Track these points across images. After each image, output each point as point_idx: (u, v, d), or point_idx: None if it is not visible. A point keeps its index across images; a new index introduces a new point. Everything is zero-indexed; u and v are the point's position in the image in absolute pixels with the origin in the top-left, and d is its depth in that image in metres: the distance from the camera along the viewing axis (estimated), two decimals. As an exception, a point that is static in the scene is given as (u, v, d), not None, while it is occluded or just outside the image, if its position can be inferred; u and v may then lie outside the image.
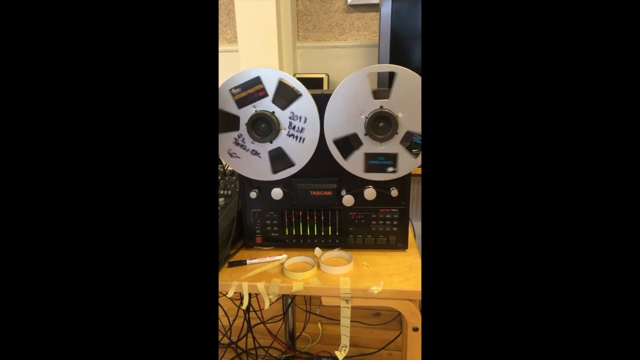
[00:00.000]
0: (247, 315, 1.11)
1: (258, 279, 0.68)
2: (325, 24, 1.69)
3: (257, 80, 0.67)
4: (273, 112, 0.68)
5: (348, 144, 0.70)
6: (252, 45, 1.55)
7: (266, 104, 0.68)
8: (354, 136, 0.69)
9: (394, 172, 0.70)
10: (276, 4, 1.50)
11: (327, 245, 0.77)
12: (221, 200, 0.86)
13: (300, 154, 0.70)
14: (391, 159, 0.70)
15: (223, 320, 1.16)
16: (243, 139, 0.71)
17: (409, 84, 0.65)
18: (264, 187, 0.75)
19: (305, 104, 0.68)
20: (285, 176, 0.72)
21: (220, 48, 1.77)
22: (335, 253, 0.75)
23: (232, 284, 0.67)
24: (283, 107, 0.68)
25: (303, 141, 0.69)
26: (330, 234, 0.77)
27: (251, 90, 0.68)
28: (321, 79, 1.52)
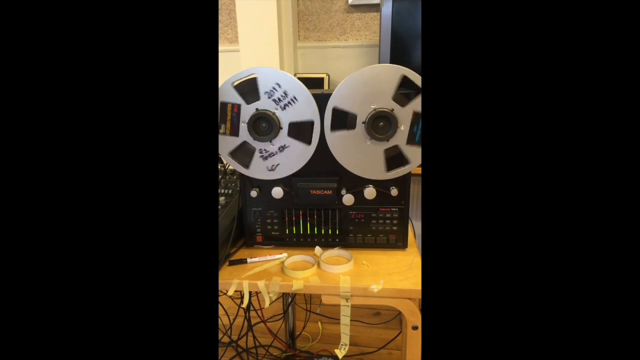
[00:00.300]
0: (247, 314, 1.11)
1: (258, 277, 0.69)
2: (326, 24, 1.69)
3: (224, 106, 0.69)
4: (257, 109, 0.69)
5: (393, 158, 0.71)
6: (253, 45, 1.55)
7: (247, 110, 0.69)
8: (391, 149, 0.70)
9: None
10: (277, 3, 1.50)
11: (327, 244, 0.78)
12: (222, 199, 0.86)
13: (306, 109, 0.69)
14: None
15: (223, 319, 1.17)
16: (264, 149, 0.71)
17: (340, 89, 0.67)
18: (265, 186, 0.75)
19: (265, 77, 0.67)
20: (318, 134, 0.70)
21: (221, 48, 1.77)
22: (335, 252, 0.75)
23: (232, 282, 0.68)
24: (257, 98, 0.68)
25: (296, 99, 0.68)
26: (330, 233, 0.77)
27: (228, 116, 0.69)
28: (322, 79, 1.52)
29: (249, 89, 0.68)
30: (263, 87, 0.68)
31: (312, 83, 1.52)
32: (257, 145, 0.71)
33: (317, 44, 1.69)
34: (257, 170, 0.73)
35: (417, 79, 0.65)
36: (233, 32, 1.74)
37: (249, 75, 0.67)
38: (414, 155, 0.70)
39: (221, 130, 0.71)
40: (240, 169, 0.73)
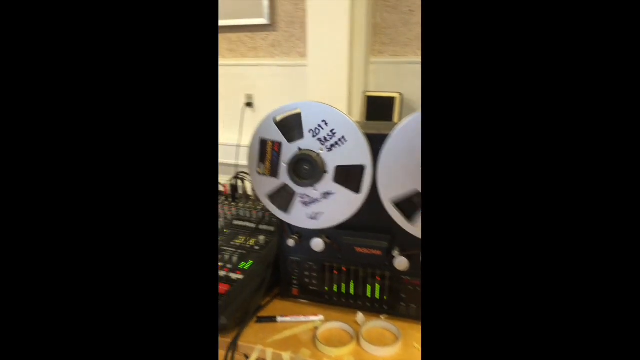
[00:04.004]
0: None
1: (285, 345, 0.59)
2: (404, 38, 1.55)
3: (264, 143, 0.61)
4: (299, 148, 0.59)
5: (410, 203, 0.57)
6: (321, 60, 1.47)
7: (289, 149, 0.60)
8: (417, 194, 0.56)
9: None
10: (350, 16, 1.41)
11: (372, 310, 0.65)
12: (262, 237, 0.78)
13: (356, 152, 0.57)
14: None
15: None
16: (306, 194, 0.61)
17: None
18: (305, 233, 0.65)
19: (310, 112, 0.58)
20: (369, 183, 0.58)
21: (290, 62, 1.73)
22: (380, 324, 0.62)
23: (256, 347, 0.59)
24: (300, 135, 0.59)
25: (345, 140, 0.57)
26: (377, 297, 0.64)
27: (268, 154, 0.61)
28: (393, 99, 1.38)
29: (292, 125, 0.59)
30: (307, 124, 0.58)
31: (381, 103, 1.39)
32: (298, 189, 0.61)
33: (391, 60, 1.56)
34: (297, 217, 0.63)
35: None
36: (305, 46, 1.68)
37: (293, 111, 0.58)
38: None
39: (259, 170, 0.62)
40: (278, 214, 0.64)
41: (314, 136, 0.58)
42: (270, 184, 0.62)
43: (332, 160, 0.58)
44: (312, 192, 0.60)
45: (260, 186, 0.63)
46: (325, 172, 0.59)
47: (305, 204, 0.61)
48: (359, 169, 0.58)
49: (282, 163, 0.60)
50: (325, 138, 0.58)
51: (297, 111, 0.58)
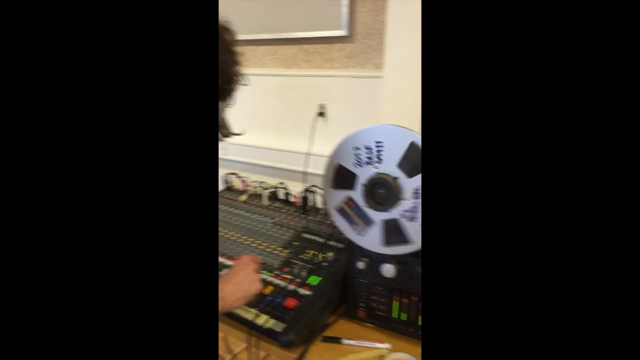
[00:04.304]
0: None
1: (350, 370, 0.58)
2: (487, 50, 1.47)
3: (343, 211, 0.63)
4: (363, 185, 0.60)
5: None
6: (397, 71, 1.45)
7: (358, 195, 0.62)
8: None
9: None
10: (431, 28, 1.37)
11: (442, 345, 0.62)
12: (330, 254, 0.78)
13: (398, 140, 0.57)
14: None
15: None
16: (402, 210, 0.59)
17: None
18: (376, 258, 0.64)
19: (343, 154, 0.60)
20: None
21: (365, 73, 1.72)
22: (451, 361, 0.59)
23: (320, 368, 0.59)
24: (354, 176, 0.58)
25: (381, 143, 0.57)
26: (448, 331, 0.61)
27: (352, 214, 0.63)
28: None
29: (343, 176, 0.61)
30: (348, 161, 0.59)
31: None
32: (394, 213, 0.59)
33: (472, 73, 1.49)
34: (419, 236, 0.58)
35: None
36: (381, 57, 1.67)
37: (334, 167, 0.62)
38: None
39: (360, 232, 0.63)
40: (407, 249, 0.60)
41: (361, 165, 0.59)
42: (376, 233, 0.62)
43: (390, 165, 0.57)
44: (405, 203, 0.58)
45: (371, 243, 0.63)
46: (395, 178, 0.57)
47: (411, 218, 0.59)
48: (413, 148, 0.55)
49: (364, 209, 0.61)
50: (369, 157, 0.58)
51: (336, 163, 0.60)
